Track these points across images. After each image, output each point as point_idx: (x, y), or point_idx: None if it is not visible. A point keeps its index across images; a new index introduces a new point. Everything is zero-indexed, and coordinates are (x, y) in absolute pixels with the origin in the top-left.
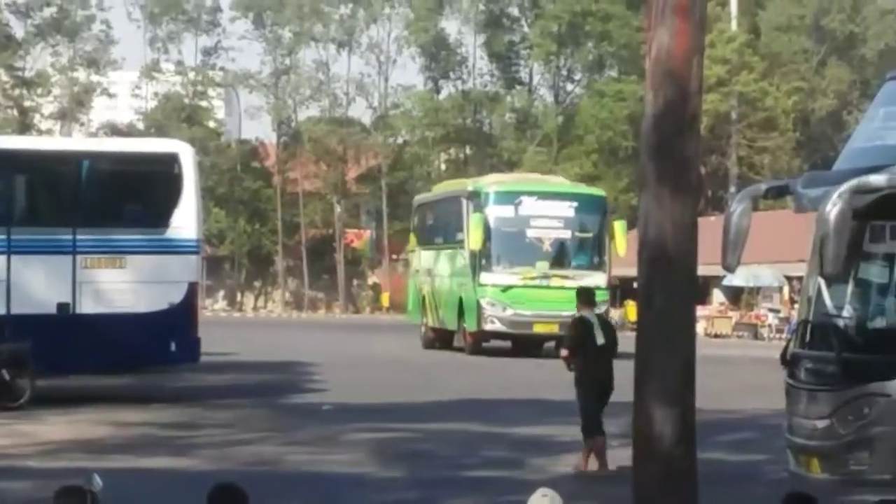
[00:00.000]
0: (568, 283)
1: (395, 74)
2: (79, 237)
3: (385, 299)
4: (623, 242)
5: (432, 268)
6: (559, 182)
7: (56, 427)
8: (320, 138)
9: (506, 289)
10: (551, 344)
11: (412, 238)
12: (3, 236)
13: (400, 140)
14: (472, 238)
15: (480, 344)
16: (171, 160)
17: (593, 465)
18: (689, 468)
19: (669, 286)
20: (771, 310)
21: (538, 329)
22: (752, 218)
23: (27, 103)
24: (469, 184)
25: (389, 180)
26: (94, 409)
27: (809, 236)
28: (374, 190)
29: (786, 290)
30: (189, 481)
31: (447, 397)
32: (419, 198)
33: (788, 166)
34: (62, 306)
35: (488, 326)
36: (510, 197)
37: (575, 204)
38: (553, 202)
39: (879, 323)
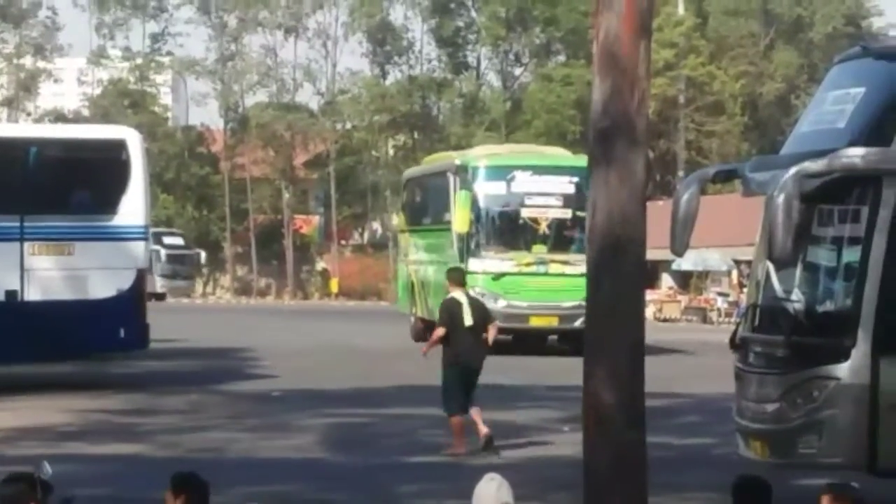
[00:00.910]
0: (569, 270)
1: (342, 60)
2: (26, 224)
3: (334, 285)
4: None
5: (420, 252)
6: (558, 154)
7: (5, 414)
8: (267, 124)
9: (497, 277)
10: (555, 337)
11: (401, 218)
12: None
13: (348, 126)
14: (458, 219)
15: None
16: (119, 146)
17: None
18: (639, 452)
19: (618, 270)
20: (720, 294)
21: (535, 322)
22: (700, 202)
23: None
24: (456, 157)
25: (338, 166)
26: (43, 396)
27: (758, 220)
28: (322, 176)
29: (734, 273)
30: (141, 467)
31: (397, 383)
32: (408, 172)
33: (737, 150)
34: (10, 294)
35: None
36: (502, 171)
37: (576, 179)
38: (551, 177)
39: (828, 306)
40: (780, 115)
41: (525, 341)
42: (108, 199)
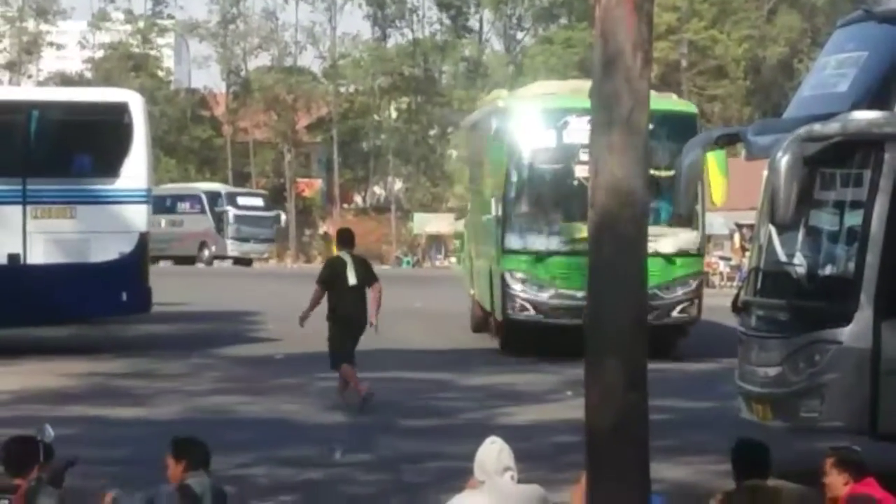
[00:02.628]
0: None
1: (344, 23)
2: (29, 187)
3: (336, 248)
4: (721, 186)
5: (474, 221)
6: None
7: (7, 378)
8: (270, 87)
9: (543, 257)
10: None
11: (466, 174)
12: None
13: (350, 89)
14: (491, 180)
15: (512, 337)
16: (121, 109)
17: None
18: (640, 415)
19: (620, 234)
20: (722, 257)
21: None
22: (703, 165)
23: None
24: (500, 97)
25: (340, 129)
26: (44, 359)
27: (760, 184)
28: (324, 139)
29: (737, 237)
30: (141, 431)
31: (398, 347)
32: (467, 120)
33: (739, 114)
34: (12, 257)
35: (519, 315)
36: (550, 116)
37: (651, 126)
38: None
39: (830, 270)
40: (782, 79)
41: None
42: (111, 162)
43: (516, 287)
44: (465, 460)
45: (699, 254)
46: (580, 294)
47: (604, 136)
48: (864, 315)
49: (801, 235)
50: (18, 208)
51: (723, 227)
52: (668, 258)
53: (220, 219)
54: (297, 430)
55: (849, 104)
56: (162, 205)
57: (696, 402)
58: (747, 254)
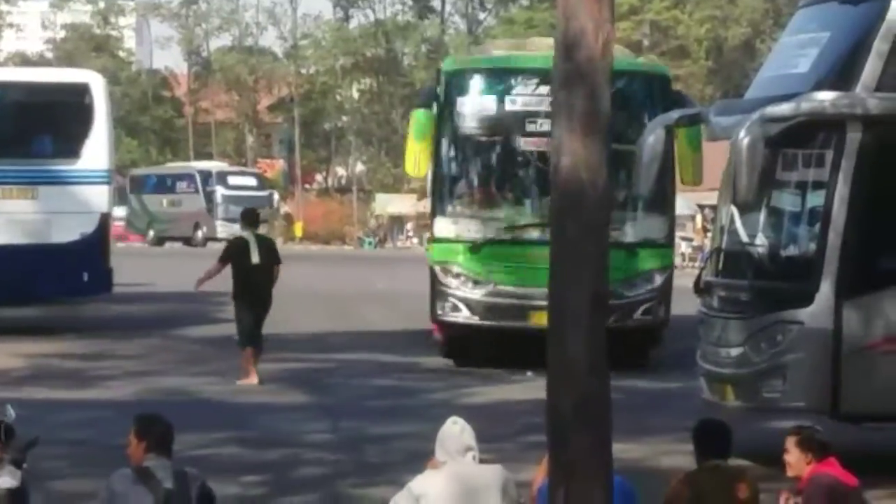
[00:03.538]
0: None
1: (305, 4)
2: None
3: (298, 229)
4: (691, 164)
5: None
6: None
7: None
8: (231, 67)
9: (478, 247)
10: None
11: None
12: None
13: (312, 70)
14: (410, 155)
15: (452, 343)
16: (83, 90)
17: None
18: (602, 397)
19: (581, 215)
20: (683, 238)
21: (539, 320)
22: (665, 146)
23: None
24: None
25: (302, 110)
26: (4, 340)
27: (722, 165)
28: (286, 119)
29: (698, 218)
30: (99, 412)
31: (363, 328)
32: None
33: (701, 94)
34: None
35: (451, 316)
36: (490, 78)
37: (614, 88)
38: None
39: (791, 251)
40: (744, 60)
41: (526, 348)
42: (72, 142)
43: (448, 283)
44: (428, 440)
45: (668, 244)
46: (523, 291)
47: (565, 117)
48: (825, 295)
49: (762, 216)
50: None
51: (684, 207)
52: (630, 249)
53: (209, 199)
54: (257, 411)
55: (810, 85)
56: (163, 185)
57: (658, 382)
58: (709, 235)
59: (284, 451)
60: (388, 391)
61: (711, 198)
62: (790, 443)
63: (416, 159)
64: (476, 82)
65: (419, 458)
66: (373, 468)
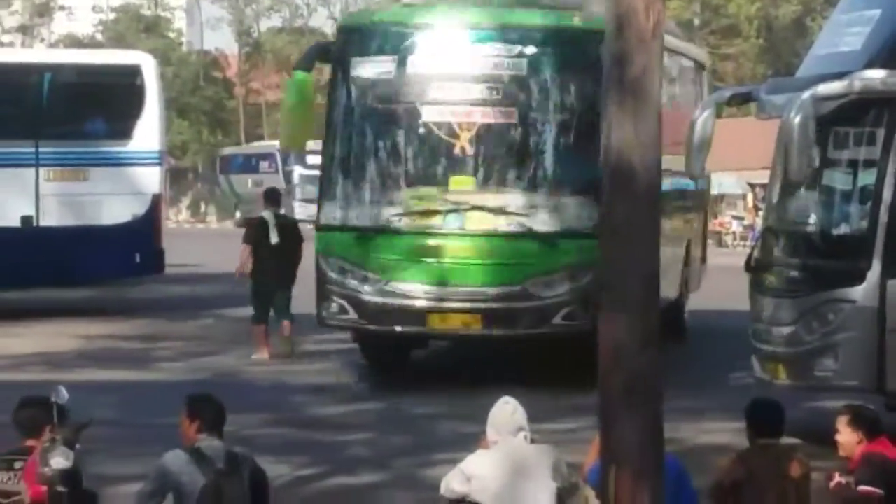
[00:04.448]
0: (507, 224)
1: None
2: (41, 150)
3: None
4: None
5: None
6: (500, 8)
7: (17, 340)
8: (281, 48)
9: (364, 238)
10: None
11: None
12: None
13: None
14: (284, 125)
15: (368, 349)
16: (134, 72)
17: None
18: (653, 376)
19: (633, 195)
20: (735, 217)
21: (438, 324)
22: (715, 125)
23: None
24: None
25: None
26: (57, 322)
27: (773, 143)
28: None
29: (749, 197)
30: (152, 393)
31: None
32: None
33: (752, 73)
34: (25, 219)
35: (336, 318)
36: (386, 35)
37: (533, 48)
38: (484, 46)
39: (843, 229)
40: (795, 38)
41: (431, 358)
42: (123, 124)
43: (332, 279)
44: (479, 421)
45: (593, 234)
46: (421, 289)
47: (616, 95)
48: (877, 273)
49: (813, 195)
50: (32, 171)
51: (735, 186)
52: (548, 240)
53: (288, 179)
54: (306, 392)
55: (862, 63)
56: (248, 164)
57: (711, 361)
58: (760, 213)
59: (333, 433)
60: (438, 372)
61: (763, 176)
62: (841, 422)
63: (292, 130)
64: (374, 40)
65: (469, 438)
66: (423, 448)
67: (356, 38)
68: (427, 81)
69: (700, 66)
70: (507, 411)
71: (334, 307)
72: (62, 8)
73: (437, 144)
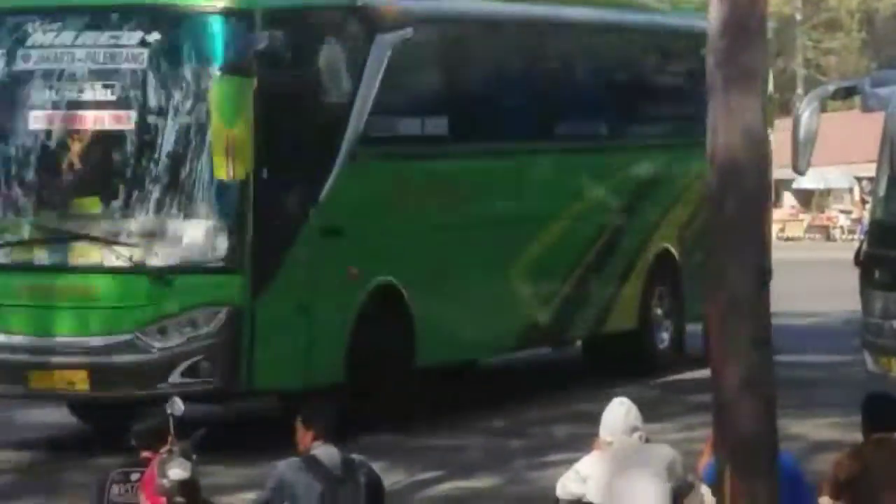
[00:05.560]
0: (115, 259)
1: None
2: None
3: None
4: (223, 155)
5: None
6: None
7: None
8: None
9: None
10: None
11: None
12: None
13: None
14: None
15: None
16: None
17: None
18: (766, 371)
19: (741, 191)
20: (842, 211)
21: (40, 383)
22: (820, 119)
23: None
24: None
25: None
26: None
27: (878, 136)
28: None
29: (856, 190)
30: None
31: None
32: None
33: (855, 66)
34: None
35: None
36: None
37: (156, 35)
38: (94, 33)
39: None
40: None
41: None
42: None
43: None
44: (592, 423)
45: (236, 268)
46: (20, 341)
47: (721, 96)
48: None
49: None
50: None
51: (842, 180)
52: (164, 276)
53: None
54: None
55: None
56: None
57: (822, 356)
58: (867, 206)
59: (449, 436)
60: (540, 374)
61: (869, 169)
62: None
63: None
64: None
65: (583, 439)
66: (537, 451)
67: None
68: (35, 80)
69: None
70: (621, 412)
71: None
72: None
73: (31, 159)
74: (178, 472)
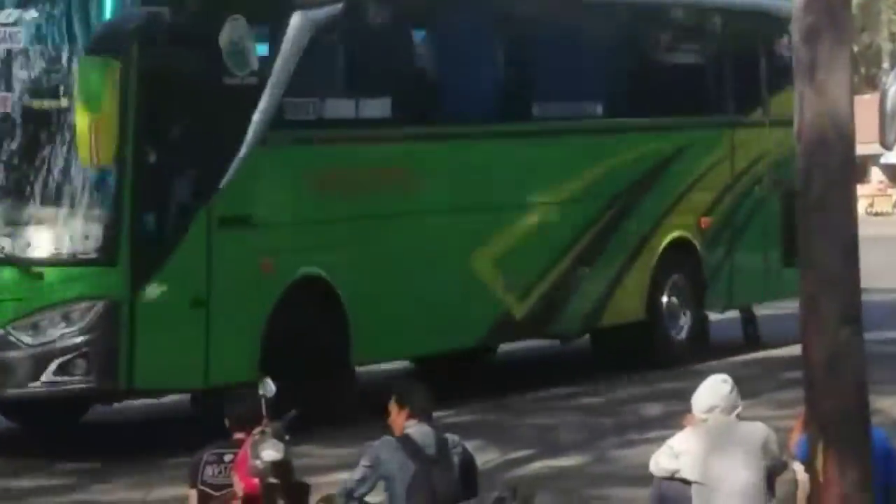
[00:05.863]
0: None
1: None
2: None
3: None
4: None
5: None
6: None
7: None
8: None
9: None
10: None
11: None
12: None
13: None
14: None
15: None
16: None
17: None
18: (856, 348)
19: (828, 167)
20: None
21: None
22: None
23: None
24: None
25: None
26: None
27: None
28: None
29: None
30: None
31: None
32: None
33: None
34: None
35: None
36: None
37: (31, 12)
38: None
39: None
40: None
41: None
42: None
43: None
44: (682, 400)
45: (109, 260)
46: None
47: (806, 73)
48: None
49: None
50: None
51: None
52: (36, 268)
53: None
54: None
55: None
56: None
57: None
58: None
59: (540, 415)
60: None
61: None
62: None
63: None
64: None
65: (673, 416)
66: (629, 428)
67: None
68: None
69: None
70: (725, 390)
71: None
72: None
73: None
74: (271, 452)
